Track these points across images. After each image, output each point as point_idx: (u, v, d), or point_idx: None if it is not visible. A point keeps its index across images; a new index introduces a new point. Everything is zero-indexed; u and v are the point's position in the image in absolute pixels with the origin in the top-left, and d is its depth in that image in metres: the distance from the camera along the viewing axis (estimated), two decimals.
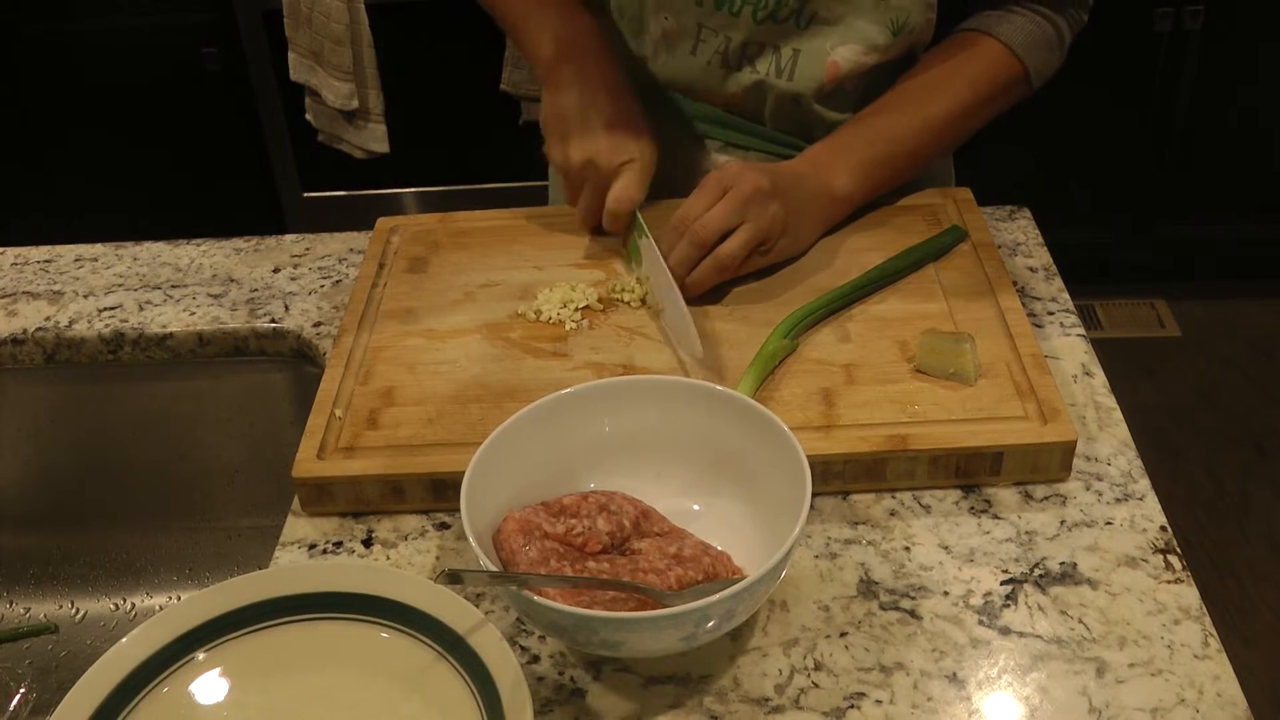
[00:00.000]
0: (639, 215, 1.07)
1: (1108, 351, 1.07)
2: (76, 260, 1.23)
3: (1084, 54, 2.62)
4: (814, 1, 1.08)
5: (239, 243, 1.23)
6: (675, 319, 0.98)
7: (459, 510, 0.74)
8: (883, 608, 0.80)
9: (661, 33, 1.13)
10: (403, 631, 0.73)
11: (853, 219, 1.12)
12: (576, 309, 1.02)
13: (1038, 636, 0.77)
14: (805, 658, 0.77)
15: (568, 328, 1.01)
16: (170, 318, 1.13)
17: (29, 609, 1.15)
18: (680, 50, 1.13)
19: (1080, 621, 0.78)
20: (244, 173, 2.65)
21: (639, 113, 1.10)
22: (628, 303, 1.04)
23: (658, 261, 1.01)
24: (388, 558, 0.86)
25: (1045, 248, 1.15)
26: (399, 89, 2.39)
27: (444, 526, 0.88)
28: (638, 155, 1.07)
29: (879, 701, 0.74)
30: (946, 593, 0.80)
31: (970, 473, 0.88)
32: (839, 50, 1.10)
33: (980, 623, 0.78)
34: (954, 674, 0.75)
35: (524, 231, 1.15)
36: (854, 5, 1.08)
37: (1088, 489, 0.88)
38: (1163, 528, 0.84)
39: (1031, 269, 1.12)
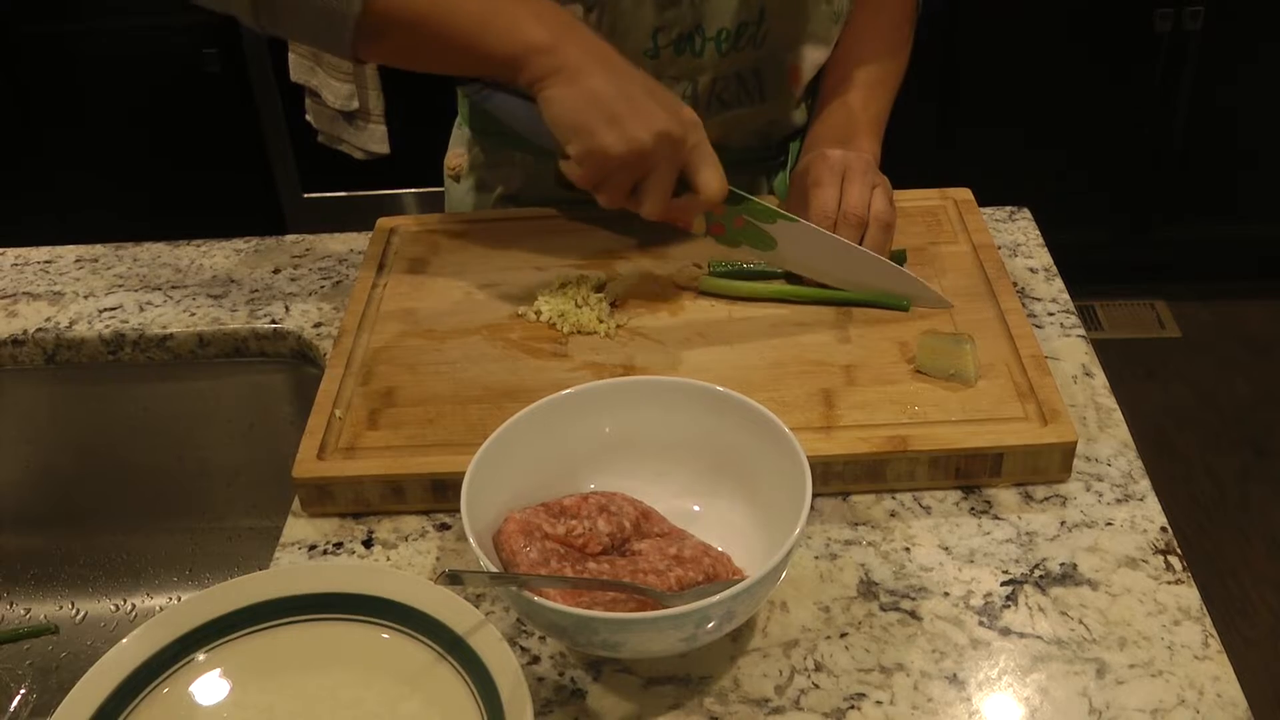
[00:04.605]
0: (763, 200, 1.00)
1: (1108, 352, 1.07)
2: (77, 261, 1.23)
3: (1084, 54, 2.62)
4: (771, 16, 1.08)
5: (239, 243, 1.23)
6: (887, 276, 1.00)
7: (459, 511, 0.74)
8: (883, 608, 0.80)
9: None
10: (403, 632, 0.73)
11: None
12: (575, 320, 1.01)
13: (1038, 637, 0.77)
14: (805, 658, 0.77)
15: (566, 329, 1.01)
16: (170, 319, 1.13)
17: (29, 609, 1.15)
18: None
19: (1080, 622, 0.78)
20: (244, 173, 2.65)
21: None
22: (593, 333, 1.00)
23: (824, 238, 0.99)
24: (388, 558, 0.86)
25: (1045, 248, 1.15)
26: (399, 89, 2.39)
27: (444, 527, 0.88)
28: (700, 125, 0.94)
29: (879, 702, 0.74)
30: (947, 593, 0.80)
31: (970, 474, 0.88)
32: (797, 54, 1.11)
33: (980, 623, 0.78)
34: (954, 675, 0.75)
35: (524, 231, 1.15)
36: (803, 9, 1.09)
37: (1088, 490, 0.88)
38: (1163, 528, 0.84)
39: (1031, 269, 1.12)
